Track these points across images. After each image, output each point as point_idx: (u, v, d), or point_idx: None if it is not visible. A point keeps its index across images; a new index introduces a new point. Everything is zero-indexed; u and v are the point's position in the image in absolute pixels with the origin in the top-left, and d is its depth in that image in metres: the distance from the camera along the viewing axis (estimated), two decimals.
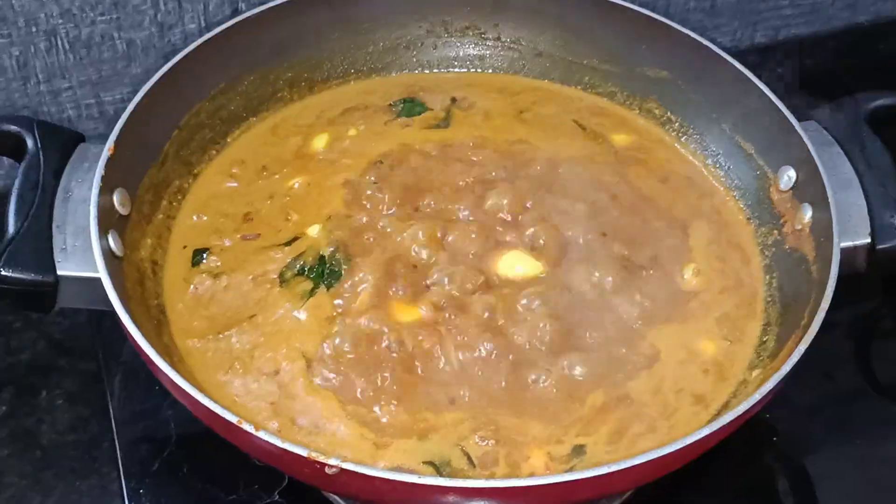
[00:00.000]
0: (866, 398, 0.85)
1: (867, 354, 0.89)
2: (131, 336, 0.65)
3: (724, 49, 0.84)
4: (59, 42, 0.91)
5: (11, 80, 0.92)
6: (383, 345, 0.71)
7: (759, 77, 0.82)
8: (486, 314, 0.73)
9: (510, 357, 0.71)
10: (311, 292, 0.75)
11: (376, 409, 0.69)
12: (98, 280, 0.68)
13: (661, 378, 0.72)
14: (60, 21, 0.90)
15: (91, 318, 0.88)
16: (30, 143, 0.74)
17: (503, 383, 0.70)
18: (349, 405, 0.69)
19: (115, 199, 0.74)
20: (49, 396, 0.83)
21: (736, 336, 0.75)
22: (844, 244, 0.72)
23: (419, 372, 0.70)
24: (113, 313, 0.68)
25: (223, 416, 0.60)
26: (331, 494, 0.76)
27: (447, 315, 0.73)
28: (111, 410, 0.81)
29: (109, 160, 0.73)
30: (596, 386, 0.71)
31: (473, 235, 0.77)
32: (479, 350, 0.71)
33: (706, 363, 0.73)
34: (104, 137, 0.75)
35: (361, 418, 0.68)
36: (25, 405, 0.82)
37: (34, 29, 0.89)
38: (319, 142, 0.86)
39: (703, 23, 1.11)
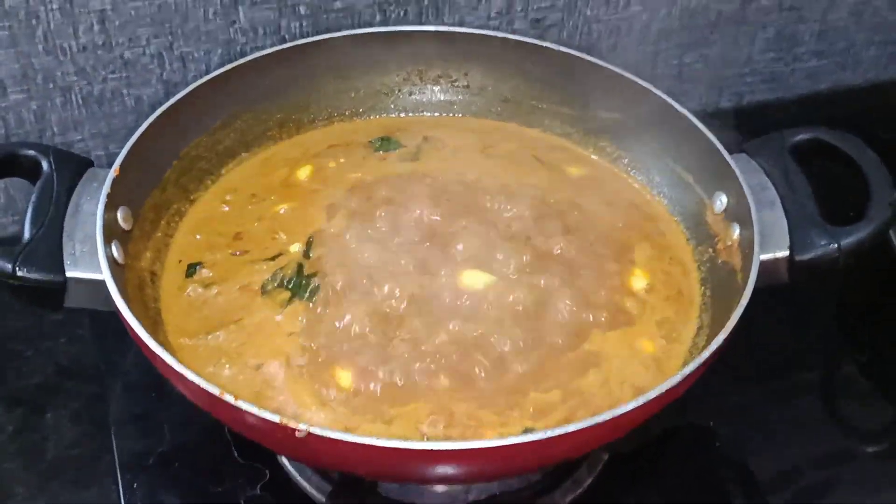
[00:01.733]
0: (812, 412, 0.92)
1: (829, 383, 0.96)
2: (131, 328, 0.71)
3: (690, 112, 0.91)
4: (74, 97, 0.97)
5: (29, 133, 0.97)
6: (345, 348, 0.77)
7: (722, 135, 0.89)
8: (448, 322, 0.79)
9: (468, 359, 0.77)
10: (290, 301, 0.81)
11: (347, 401, 0.75)
12: (102, 282, 0.74)
13: (607, 373, 0.78)
14: (75, 78, 0.95)
15: (96, 344, 0.94)
16: (45, 165, 0.81)
17: (460, 382, 0.76)
18: (323, 398, 0.75)
19: (119, 215, 0.81)
20: (55, 416, 0.88)
21: (673, 337, 0.81)
22: (765, 256, 0.79)
23: (384, 376, 0.76)
24: (115, 314, 0.74)
25: (207, 389, 0.66)
26: (305, 486, 0.83)
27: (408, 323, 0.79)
28: (110, 415, 0.87)
29: (115, 180, 0.80)
30: (547, 381, 0.77)
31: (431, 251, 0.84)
32: (441, 355, 0.77)
33: (647, 360, 0.79)
34: None
35: (333, 409, 0.74)
36: (34, 423, 0.88)
37: (51, 85, 0.95)
38: (304, 172, 0.93)
39: (670, 87, 1.14)
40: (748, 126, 1.23)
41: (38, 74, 0.94)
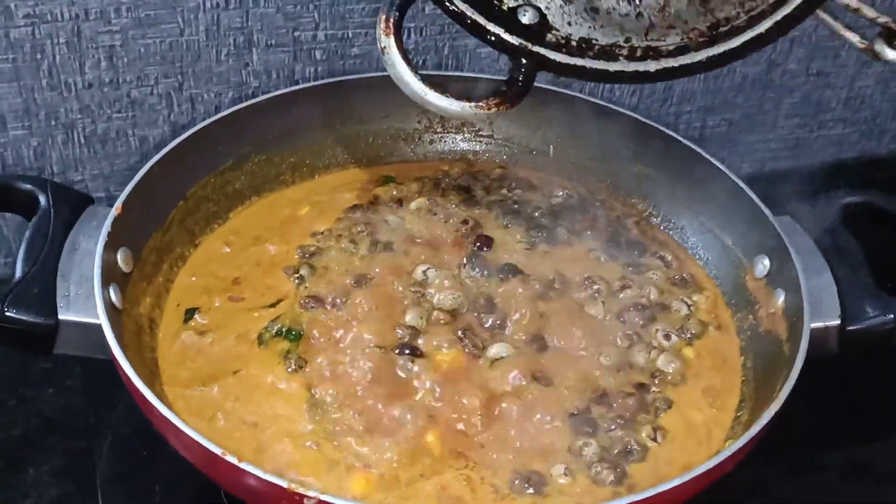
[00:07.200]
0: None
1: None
2: (127, 377, 0.67)
3: None
4: (76, 136, 0.94)
5: (28, 170, 0.94)
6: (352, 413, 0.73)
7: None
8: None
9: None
10: (289, 352, 0.77)
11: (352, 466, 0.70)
12: (97, 326, 0.70)
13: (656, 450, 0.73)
14: (79, 116, 0.92)
15: (85, 396, 0.89)
16: (42, 200, 0.78)
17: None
18: (330, 461, 0.70)
19: (119, 256, 0.77)
20: (37, 472, 0.83)
21: (719, 405, 0.77)
22: (815, 325, 0.74)
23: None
24: (108, 363, 0.69)
25: (208, 447, 0.61)
26: None
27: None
28: (97, 473, 0.82)
29: (116, 219, 0.77)
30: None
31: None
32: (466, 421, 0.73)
33: (700, 435, 0.75)
34: None
35: (339, 476, 0.70)
36: (13, 479, 0.83)
37: (53, 122, 0.92)
38: (303, 209, 0.90)
39: None
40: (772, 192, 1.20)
41: (41, 110, 0.91)
